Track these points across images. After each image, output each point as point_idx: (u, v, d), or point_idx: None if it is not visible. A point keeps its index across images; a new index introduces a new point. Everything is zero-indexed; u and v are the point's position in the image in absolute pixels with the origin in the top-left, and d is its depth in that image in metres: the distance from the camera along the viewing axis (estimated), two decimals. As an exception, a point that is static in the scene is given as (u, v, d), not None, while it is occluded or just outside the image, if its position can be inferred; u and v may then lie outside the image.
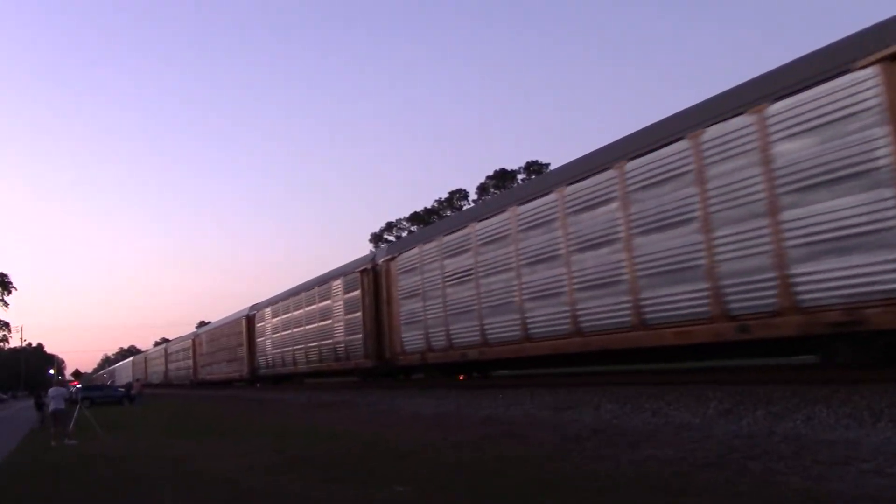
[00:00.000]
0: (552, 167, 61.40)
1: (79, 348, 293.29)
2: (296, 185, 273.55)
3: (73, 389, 41.80)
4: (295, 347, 29.82)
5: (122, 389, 46.80)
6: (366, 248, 73.49)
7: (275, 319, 32.98)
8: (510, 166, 70.83)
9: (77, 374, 59.99)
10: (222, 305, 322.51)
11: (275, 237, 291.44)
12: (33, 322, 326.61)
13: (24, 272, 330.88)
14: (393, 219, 79.50)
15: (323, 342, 26.46)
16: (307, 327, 28.27)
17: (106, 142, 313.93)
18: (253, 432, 14.78)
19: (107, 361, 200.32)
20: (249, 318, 37.37)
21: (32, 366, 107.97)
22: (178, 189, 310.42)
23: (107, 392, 44.60)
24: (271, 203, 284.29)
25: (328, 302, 26.02)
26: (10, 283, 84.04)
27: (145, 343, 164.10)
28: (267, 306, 34.43)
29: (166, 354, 68.03)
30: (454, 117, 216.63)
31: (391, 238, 73.64)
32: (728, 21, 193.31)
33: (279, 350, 32.19)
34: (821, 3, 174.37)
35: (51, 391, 18.24)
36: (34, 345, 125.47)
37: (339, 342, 24.93)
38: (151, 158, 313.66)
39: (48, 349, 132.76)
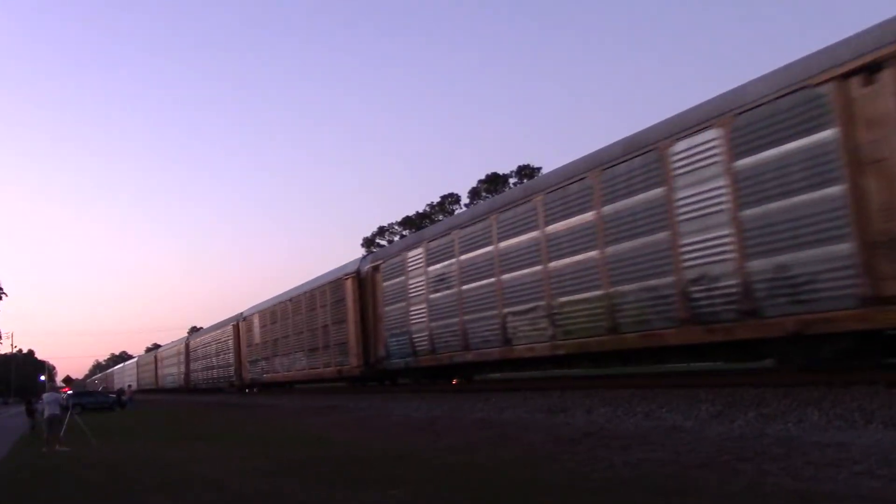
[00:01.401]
0: (544, 171, 61.80)
1: (70, 354, 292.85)
2: (286, 192, 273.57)
3: (64, 396, 41.63)
4: (518, 308, 15.20)
5: (113, 396, 46.64)
6: (358, 252, 73.46)
7: (441, 266, 18.24)
8: (502, 170, 71.08)
9: (68, 380, 59.71)
10: (214, 312, 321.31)
11: (265, 244, 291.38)
12: (24, 328, 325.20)
13: (14, 278, 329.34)
14: (385, 223, 79.56)
15: (643, 282, 12.25)
16: (569, 261, 13.73)
17: (100, 147, 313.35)
18: (244, 437, 14.73)
19: (98, 367, 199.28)
20: (363, 278, 23.14)
21: (23, 372, 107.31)
22: (171, 196, 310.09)
23: (98, 398, 44.53)
24: (262, 210, 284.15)
25: (656, 192, 12.00)
26: (1, 288, 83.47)
27: (137, 349, 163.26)
28: (414, 246, 20.13)
29: (186, 351, 52.89)
30: (446, 121, 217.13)
31: (383, 243, 73.62)
32: (728, 21, 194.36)
33: (453, 320, 17.60)
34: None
35: (45, 396, 18.15)
36: (25, 351, 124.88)
37: (715, 276, 11.01)
38: (144, 166, 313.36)
39: (39, 355, 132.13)
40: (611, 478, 6.56)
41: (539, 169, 66.41)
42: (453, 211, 70.68)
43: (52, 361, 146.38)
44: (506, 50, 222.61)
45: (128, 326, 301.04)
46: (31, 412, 25.25)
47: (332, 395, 26.62)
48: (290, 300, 30.29)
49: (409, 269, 20.07)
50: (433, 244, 18.94)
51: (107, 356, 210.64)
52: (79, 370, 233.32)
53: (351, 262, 25.03)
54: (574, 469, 7.17)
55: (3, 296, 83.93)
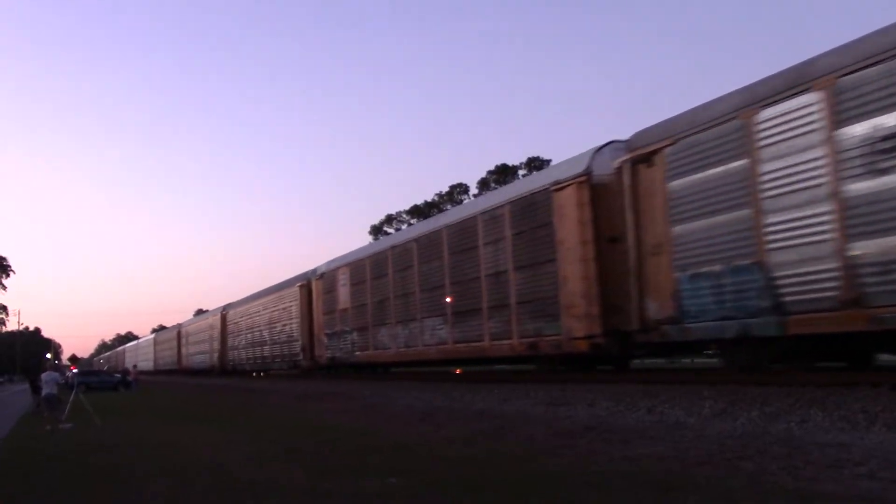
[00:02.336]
0: (553, 163, 61.36)
1: (76, 333, 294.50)
2: (293, 179, 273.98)
3: (67, 375, 41.91)
4: None
5: (118, 375, 46.94)
6: (366, 240, 73.51)
7: None
8: (511, 161, 70.90)
9: (74, 359, 59.73)
10: (219, 296, 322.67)
11: (271, 230, 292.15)
12: (31, 306, 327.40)
13: (22, 256, 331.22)
14: (393, 211, 79.55)
15: None
16: None
17: (108, 127, 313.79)
18: (246, 422, 14.77)
19: (104, 347, 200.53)
20: (600, 183, 14.34)
21: (29, 350, 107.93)
22: (179, 179, 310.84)
23: (102, 378, 44.88)
24: (271, 195, 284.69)
25: None
26: (9, 265, 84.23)
27: (142, 330, 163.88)
28: (781, 96, 10.89)
29: (223, 324, 42.71)
30: (456, 112, 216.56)
31: (390, 230, 73.55)
32: (730, 22, 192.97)
33: None
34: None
35: (44, 376, 18.24)
36: (31, 329, 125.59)
37: None
38: (155, 148, 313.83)
39: (45, 334, 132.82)
40: (610, 472, 6.54)
41: (548, 161, 66.09)
42: (461, 200, 70.50)
43: (57, 340, 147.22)
44: (515, 40, 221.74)
45: (134, 308, 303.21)
46: (35, 390, 25.33)
47: (338, 382, 26.44)
48: (417, 240, 20.82)
49: (761, 143, 11.14)
50: (869, 74, 9.70)
51: (112, 336, 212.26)
52: (84, 349, 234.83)
53: (569, 161, 15.22)
54: (573, 462, 7.16)
55: (10, 273, 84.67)
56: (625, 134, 13.82)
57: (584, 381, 14.44)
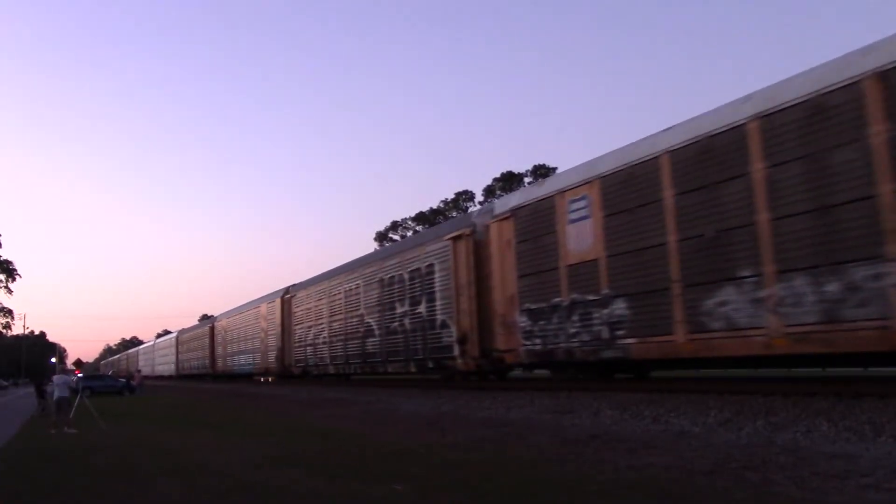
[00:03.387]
0: (559, 170, 61.12)
1: (81, 337, 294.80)
2: (300, 185, 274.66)
3: (73, 379, 41.69)
4: None
5: (123, 380, 46.90)
6: (370, 247, 73.53)
7: None
8: (517, 169, 70.91)
9: (79, 363, 59.61)
10: (225, 301, 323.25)
11: (276, 236, 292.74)
12: (37, 310, 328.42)
13: (29, 260, 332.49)
14: (398, 218, 79.57)
15: None
16: None
17: (113, 130, 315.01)
18: (252, 427, 14.78)
19: (109, 351, 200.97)
20: None
21: (34, 354, 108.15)
22: (185, 185, 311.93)
23: (107, 382, 44.76)
24: (275, 202, 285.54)
25: None
26: (15, 269, 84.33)
27: (147, 335, 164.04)
28: None
29: (283, 310, 32.45)
30: (462, 120, 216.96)
31: (396, 237, 73.58)
32: (729, 26, 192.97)
33: None
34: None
35: (55, 378, 18.26)
36: (36, 333, 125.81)
37: None
38: (161, 153, 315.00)
39: (50, 338, 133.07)
40: (615, 480, 6.54)
41: (555, 168, 66.12)
42: (467, 208, 70.60)
43: (63, 344, 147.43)
44: (522, 50, 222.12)
45: (139, 313, 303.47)
46: (41, 393, 25.39)
47: (341, 388, 26.51)
48: (881, 74, 9.26)
49: None
50: None
51: (118, 340, 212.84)
52: (89, 354, 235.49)
53: None
54: (578, 470, 7.15)
55: (16, 277, 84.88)
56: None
57: (589, 389, 14.41)
